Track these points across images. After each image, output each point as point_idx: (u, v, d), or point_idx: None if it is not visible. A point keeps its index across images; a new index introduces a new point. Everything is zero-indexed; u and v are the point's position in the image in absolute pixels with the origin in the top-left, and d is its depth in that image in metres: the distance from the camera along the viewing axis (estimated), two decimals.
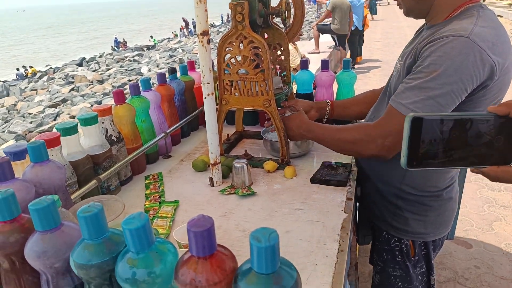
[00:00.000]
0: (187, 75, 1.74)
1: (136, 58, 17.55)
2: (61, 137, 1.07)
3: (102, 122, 1.24)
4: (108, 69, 15.34)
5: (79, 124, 1.14)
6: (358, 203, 1.65)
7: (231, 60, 1.30)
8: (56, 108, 9.98)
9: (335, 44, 7.39)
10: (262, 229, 0.49)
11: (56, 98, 11.15)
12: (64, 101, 10.57)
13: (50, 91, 12.46)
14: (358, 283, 1.34)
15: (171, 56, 16.43)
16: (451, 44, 0.89)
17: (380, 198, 1.26)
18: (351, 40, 7.44)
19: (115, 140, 1.26)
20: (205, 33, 1.10)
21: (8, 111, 10.63)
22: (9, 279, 0.65)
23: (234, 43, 1.28)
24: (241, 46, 1.28)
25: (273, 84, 1.43)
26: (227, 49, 1.30)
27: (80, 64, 17.50)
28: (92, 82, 12.99)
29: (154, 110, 1.50)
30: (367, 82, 6.74)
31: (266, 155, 1.48)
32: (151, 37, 22.79)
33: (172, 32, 26.37)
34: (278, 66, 1.55)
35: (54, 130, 1.09)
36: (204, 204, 1.17)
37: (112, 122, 1.26)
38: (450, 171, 1.18)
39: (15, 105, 11.24)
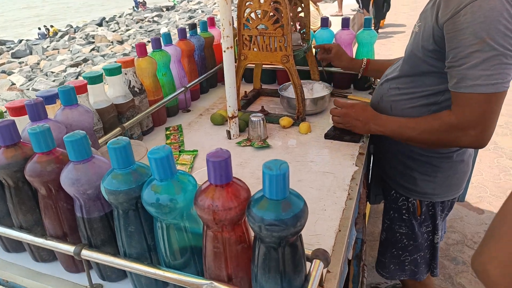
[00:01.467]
0: (207, 31, 1.75)
1: (155, 19, 17.36)
2: (88, 85, 1.13)
3: (126, 74, 1.29)
4: (128, 30, 15.27)
5: (104, 74, 1.20)
6: (371, 163, 1.69)
7: (251, 15, 1.31)
8: (77, 67, 10.12)
9: (359, 6, 7.13)
10: (274, 160, 0.54)
11: (77, 57, 11.27)
12: (85, 60, 10.70)
13: (71, 51, 12.57)
14: (365, 231, 1.40)
15: (190, 18, 16.17)
16: (487, 5, 0.85)
17: (391, 156, 1.29)
18: (376, 3, 7.15)
19: (138, 91, 1.32)
20: None
21: (32, 69, 10.84)
22: (47, 205, 0.73)
23: None
24: (262, 0, 1.28)
25: (292, 40, 1.44)
26: (247, 4, 1.31)
27: (100, 24, 17.45)
28: (112, 42, 13.02)
29: (175, 65, 1.53)
30: (390, 48, 6.54)
31: (282, 112, 1.51)
32: None
33: None
34: (298, 23, 1.55)
35: (81, 78, 1.14)
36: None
37: (135, 74, 1.31)
38: None
39: (38, 63, 11.45)
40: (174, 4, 21.12)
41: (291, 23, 1.52)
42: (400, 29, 7.73)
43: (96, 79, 1.13)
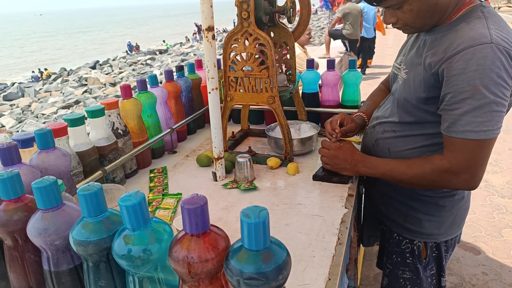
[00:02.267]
0: (194, 73, 1.77)
1: (148, 61, 17.77)
2: (68, 128, 1.10)
3: (109, 115, 1.27)
4: (121, 72, 15.56)
5: (86, 116, 1.18)
6: (363, 204, 1.66)
7: (237, 57, 1.32)
8: (69, 109, 10.15)
9: (346, 49, 7.39)
10: (253, 207, 0.50)
11: (69, 99, 11.34)
12: (77, 102, 10.75)
13: (63, 93, 12.68)
14: (357, 279, 1.33)
15: (183, 60, 16.59)
16: (480, 54, 0.87)
17: (392, 200, 1.25)
18: (362, 46, 7.44)
19: (121, 133, 1.29)
20: (210, 29, 1.12)
21: (23, 111, 10.85)
22: (12, 257, 0.67)
23: (239, 40, 1.30)
24: (247, 43, 1.30)
25: (278, 81, 1.45)
26: (232, 46, 1.32)
27: (93, 67, 17.78)
28: (104, 84, 13.19)
29: (161, 106, 1.52)
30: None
31: (270, 153, 1.49)
32: (164, 41, 23.07)
33: (185, 37, 26.66)
34: (284, 65, 1.56)
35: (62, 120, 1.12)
36: (206, 197, 1.18)
37: (119, 115, 1.29)
38: None
39: (29, 105, 11.48)
40: (167, 47, 21.75)
41: (277, 65, 1.54)
42: (386, 70, 7.98)
43: (77, 122, 1.11)
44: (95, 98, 11.17)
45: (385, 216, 1.30)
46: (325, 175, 1.25)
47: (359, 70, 7.71)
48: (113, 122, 1.27)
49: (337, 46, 8.19)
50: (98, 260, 0.60)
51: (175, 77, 1.67)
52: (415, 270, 1.25)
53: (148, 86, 1.51)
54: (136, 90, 1.43)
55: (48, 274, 0.64)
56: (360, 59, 7.65)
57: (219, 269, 0.54)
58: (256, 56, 1.29)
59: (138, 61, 18.18)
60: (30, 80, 16.77)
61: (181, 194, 1.20)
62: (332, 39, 7.47)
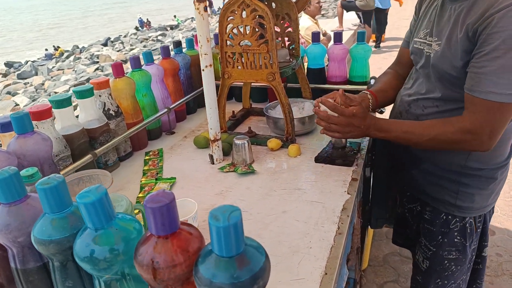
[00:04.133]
0: (193, 49, 1.68)
1: (159, 38, 17.57)
2: (55, 110, 1.04)
3: (100, 96, 1.20)
4: (132, 49, 15.45)
5: (74, 97, 1.11)
6: (372, 185, 1.58)
7: (234, 31, 1.23)
8: None
9: (360, 21, 7.09)
10: (224, 207, 0.43)
11: (81, 77, 11.36)
12: (88, 80, 10.77)
13: (76, 71, 12.70)
14: (359, 269, 1.27)
15: (193, 36, 16.34)
16: None
17: (441, 179, 1.16)
18: (377, 17, 7.12)
19: (113, 114, 1.23)
20: (201, 0, 1.03)
21: (36, 90, 10.93)
22: None
23: (236, 12, 1.20)
24: (244, 14, 1.20)
25: (279, 57, 1.36)
26: (229, 19, 1.22)
27: (105, 44, 17.70)
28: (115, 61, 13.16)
29: (157, 85, 1.45)
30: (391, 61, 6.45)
31: (272, 133, 1.41)
32: (175, 16, 22.68)
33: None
34: (287, 38, 1.46)
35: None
36: (202, 182, 1.13)
37: (111, 95, 1.22)
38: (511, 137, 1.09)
39: (42, 84, 11.55)
40: (178, 23, 21.42)
41: (279, 39, 1.44)
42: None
43: (63, 103, 1.05)
44: (106, 75, 11.16)
45: (431, 197, 1.20)
46: (328, 157, 1.18)
47: (374, 43, 7.42)
48: (104, 103, 1.21)
49: (351, 19, 7.87)
50: (64, 259, 0.55)
51: (172, 53, 1.59)
52: (463, 249, 1.19)
53: (144, 63, 1.43)
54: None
55: (15, 272, 0.60)
56: (374, 33, 7.34)
57: (190, 274, 0.47)
58: (255, 30, 1.20)
59: (149, 37, 17.99)
60: (44, 58, 16.83)
61: (175, 178, 1.14)
62: (345, 11, 7.16)
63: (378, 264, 2.28)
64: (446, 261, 1.21)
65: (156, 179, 1.14)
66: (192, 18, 23.95)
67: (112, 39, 18.83)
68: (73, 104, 1.12)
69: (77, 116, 1.13)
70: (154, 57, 1.42)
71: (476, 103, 0.92)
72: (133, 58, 1.34)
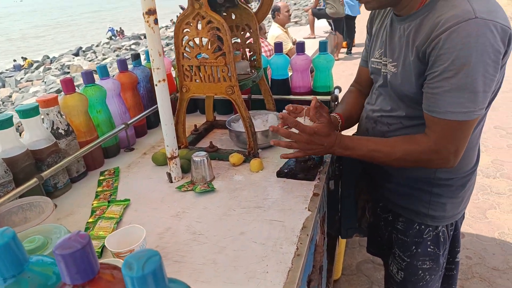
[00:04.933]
0: None
1: (133, 47, 17.33)
2: None
3: (47, 114, 1.13)
4: (105, 59, 15.17)
5: (18, 117, 1.04)
6: (341, 195, 1.56)
7: (189, 43, 1.19)
8: None
9: (331, 28, 7.20)
10: (141, 252, 0.38)
11: (51, 89, 11.03)
12: (58, 91, 10.45)
13: (45, 82, 12.33)
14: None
15: (167, 44, 16.19)
16: (464, 31, 0.82)
17: (413, 190, 1.15)
18: (348, 24, 7.24)
19: (63, 133, 1.16)
20: (151, 12, 0.98)
21: (3, 102, 10.53)
22: None
23: (191, 24, 1.16)
24: (199, 26, 1.16)
25: (240, 69, 1.32)
26: (184, 31, 1.18)
27: (76, 54, 17.31)
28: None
29: (113, 100, 1.38)
30: None
31: (235, 147, 1.37)
32: None
33: (170, 20, 26.00)
34: (248, 50, 1.43)
35: None
36: (157, 203, 1.07)
37: (59, 113, 1.15)
38: (477, 143, 1.10)
39: (10, 96, 11.15)
40: None
41: (240, 50, 1.40)
42: None
43: (2, 124, 0.97)
44: (77, 86, 10.87)
45: (404, 208, 1.19)
46: (290, 171, 1.14)
47: (345, 51, 7.54)
48: (53, 121, 1.14)
49: (323, 26, 7.98)
50: None
51: (130, 66, 1.53)
52: (436, 258, 1.18)
53: (99, 77, 1.37)
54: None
55: None
56: (345, 40, 7.46)
57: None
58: (212, 42, 1.16)
59: (123, 46, 17.72)
60: (12, 70, 16.27)
61: (129, 200, 1.08)
62: (316, 19, 7.26)
63: (351, 273, 2.27)
64: (420, 271, 1.20)
65: (108, 202, 1.07)
66: (167, 26, 23.81)
67: (84, 49, 18.43)
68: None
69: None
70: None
71: (436, 122, 0.93)
72: (85, 73, 1.27)
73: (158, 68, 1.04)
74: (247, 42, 1.42)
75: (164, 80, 1.07)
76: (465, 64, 0.83)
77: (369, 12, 1.15)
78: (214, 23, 1.14)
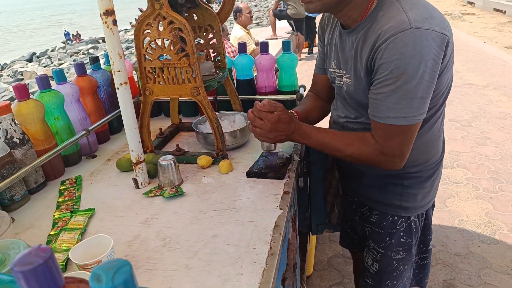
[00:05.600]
0: None
1: (91, 51, 16.74)
2: None
3: (0, 123, 1.06)
4: (61, 64, 14.55)
5: None
6: (310, 193, 1.58)
7: (151, 45, 1.15)
8: None
9: (293, 29, 7.30)
10: (110, 263, 0.36)
11: (3, 97, 10.43)
12: (12, 99, 9.91)
13: None
14: (297, 287, 1.24)
15: (127, 48, 15.77)
16: (401, 42, 0.86)
17: (385, 184, 1.18)
18: (308, 25, 7.37)
19: (18, 142, 1.09)
20: (108, 12, 0.94)
21: None
22: None
23: (152, 25, 1.13)
24: (161, 28, 1.13)
25: (204, 69, 1.30)
26: (145, 32, 1.15)
27: (30, 60, 16.46)
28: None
29: (72, 105, 1.32)
30: None
31: (202, 150, 1.35)
32: None
33: (129, 23, 25.34)
34: (212, 50, 1.41)
35: None
36: (124, 210, 1.03)
37: (13, 121, 1.08)
38: (440, 135, 1.14)
39: None
40: None
41: (203, 51, 1.39)
42: None
43: None
44: (32, 93, 10.34)
45: (377, 202, 1.23)
46: (260, 171, 1.14)
47: (306, 50, 7.67)
48: (6, 130, 1.07)
49: (284, 27, 8.08)
50: None
51: (89, 70, 1.47)
52: (408, 248, 1.22)
53: (55, 83, 1.30)
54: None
55: None
56: (306, 40, 7.59)
57: None
58: (174, 43, 1.13)
59: (80, 50, 17.07)
60: None
61: (93, 209, 1.03)
62: (277, 19, 7.33)
63: (323, 268, 2.30)
64: (394, 262, 1.24)
65: (71, 212, 1.02)
66: (126, 29, 23.20)
67: (37, 54, 17.58)
68: None
69: None
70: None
71: (379, 127, 0.97)
72: (40, 78, 1.20)
73: (119, 71, 1.01)
74: (210, 43, 1.40)
75: (126, 83, 1.03)
76: (403, 73, 0.87)
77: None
78: (176, 24, 1.11)
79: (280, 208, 0.98)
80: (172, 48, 1.14)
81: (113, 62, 1.00)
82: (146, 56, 1.17)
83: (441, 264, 2.23)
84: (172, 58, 1.15)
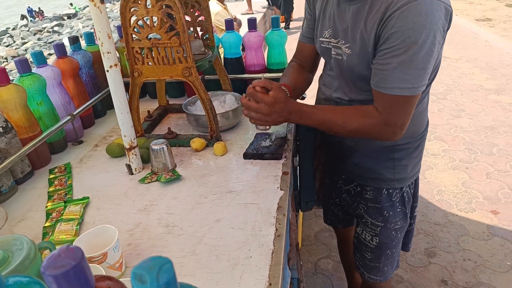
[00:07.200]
0: (94, 44, 1.48)
1: (56, 28, 15.89)
2: None
3: None
4: (25, 43, 13.77)
5: None
6: (298, 170, 1.58)
7: (139, 23, 1.10)
8: None
9: (269, 3, 7.16)
10: (150, 261, 0.35)
11: None
12: None
13: None
14: (300, 266, 1.27)
15: (93, 29, 15.09)
16: (415, 10, 0.85)
17: (378, 160, 1.19)
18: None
19: (1, 130, 1.02)
20: None
21: None
22: None
23: (139, 2, 1.07)
24: (149, 5, 1.07)
25: (193, 48, 1.26)
26: (132, 10, 1.09)
27: None
28: (6, 58, 11.60)
29: (54, 89, 1.25)
30: None
31: (194, 132, 1.32)
32: (71, 4, 20.60)
33: None
34: (199, 28, 1.36)
35: None
36: (121, 198, 1.00)
37: None
38: (426, 108, 1.17)
39: None
40: (76, 11, 19.57)
41: (190, 29, 1.33)
42: None
43: None
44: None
45: (372, 179, 1.23)
46: (256, 152, 1.13)
47: (283, 25, 7.57)
48: None
49: (260, 1, 7.91)
50: None
51: (69, 51, 1.39)
52: (404, 216, 1.25)
53: (34, 66, 1.23)
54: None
55: None
56: (283, 15, 7.47)
57: None
58: (163, 21, 1.08)
59: (44, 28, 16.18)
60: None
61: (88, 198, 1.00)
62: None
63: (310, 243, 2.36)
64: (393, 232, 1.27)
65: (65, 202, 0.98)
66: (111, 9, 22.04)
67: None
68: None
69: None
70: (51, 52, 1.24)
71: (384, 98, 0.97)
72: (20, 61, 1.13)
73: (108, 52, 0.95)
74: (197, 20, 1.35)
75: (116, 65, 0.98)
76: (414, 43, 0.87)
77: None
78: (165, 1, 1.06)
79: (281, 189, 0.98)
80: (161, 27, 1.09)
81: (102, 43, 0.94)
82: (134, 36, 1.11)
83: (422, 233, 2.32)
84: (162, 37, 1.10)
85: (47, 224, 0.91)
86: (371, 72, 0.99)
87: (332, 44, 1.08)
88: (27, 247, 0.62)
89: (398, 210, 1.25)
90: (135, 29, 1.10)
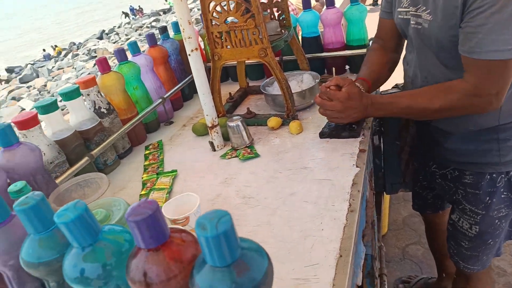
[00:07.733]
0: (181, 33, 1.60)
1: (153, 24, 17.35)
2: (42, 116, 1.00)
3: (88, 95, 1.15)
4: (128, 39, 15.31)
5: (61, 100, 1.07)
6: (383, 151, 1.53)
7: (217, 8, 1.15)
8: None
9: None
10: (212, 213, 0.39)
11: (82, 74, 11.35)
12: None
13: (75, 68, 12.69)
14: (375, 243, 1.23)
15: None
16: None
17: (476, 145, 1.10)
18: None
19: (105, 112, 1.18)
20: None
21: (40, 92, 10.98)
22: None
23: None
24: None
25: (269, 30, 1.28)
26: None
27: (100, 37, 17.56)
28: (113, 54, 13.08)
29: (147, 75, 1.39)
30: None
31: (271, 112, 1.35)
32: (166, 0, 22.22)
33: None
34: (275, 9, 1.38)
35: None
36: (204, 171, 1.09)
37: (99, 93, 1.17)
38: None
39: (45, 85, 11.59)
40: (170, 6, 21.01)
41: (267, 10, 1.36)
42: None
43: (49, 108, 1.00)
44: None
45: (472, 164, 1.13)
46: (333, 131, 1.12)
47: (372, 1, 7.14)
48: (94, 101, 1.16)
49: None
50: (59, 279, 0.52)
51: (159, 40, 1.52)
52: (510, 203, 1.14)
53: (130, 55, 1.38)
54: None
55: None
56: None
57: (188, 286, 0.44)
58: (239, 4, 1.12)
59: (143, 24, 17.79)
60: (43, 59, 16.77)
61: (176, 171, 1.10)
62: None
63: (398, 227, 2.26)
64: (496, 220, 1.16)
65: (157, 174, 1.10)
66: None
67: (106, 31, 18.62)
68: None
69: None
70: (141, 47, 1.38)
71: (477, 64, 0.88)
72: (118, 51, 1.28)
73: (189, 37, 1.03)
74: (274, 1, 1.36)
75: (196, 49, 1.05)
76: None
77: None
78: None
79: (357, 166, 0.96)
80: (237, 10, 1.13)
81: (183, 29, 1.02)
82: (213, 21, 1.18)
83: None
84: (238, 20, 1.14)
85: (143, 192, 1.04)
86: (458, 39, 0.90)
87: (411, 13, 1.01)
88: (124, 207, 0.73)
89: (503, 196, 1.11)
90: (214, 15, 1.16)
